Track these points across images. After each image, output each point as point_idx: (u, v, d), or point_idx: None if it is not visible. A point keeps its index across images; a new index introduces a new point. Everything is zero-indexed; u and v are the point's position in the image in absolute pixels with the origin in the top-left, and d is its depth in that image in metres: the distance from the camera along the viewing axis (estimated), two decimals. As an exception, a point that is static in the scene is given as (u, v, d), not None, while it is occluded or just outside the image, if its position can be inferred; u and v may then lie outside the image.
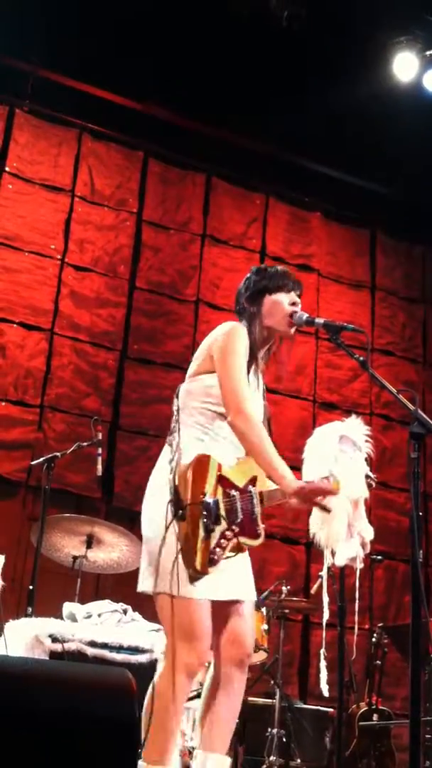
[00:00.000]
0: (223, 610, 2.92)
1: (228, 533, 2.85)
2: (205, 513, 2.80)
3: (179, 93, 7.24)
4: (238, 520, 2.88)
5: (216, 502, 2.85)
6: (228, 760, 2.91)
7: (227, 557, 2.84)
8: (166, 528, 2.83)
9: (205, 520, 2.80)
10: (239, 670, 2.90)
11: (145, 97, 7.40)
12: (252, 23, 6.72)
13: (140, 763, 2.76)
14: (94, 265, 7.15)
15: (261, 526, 2.97)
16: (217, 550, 2.80)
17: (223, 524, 2.85)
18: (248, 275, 3.26)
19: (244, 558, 3.02)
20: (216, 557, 2.79)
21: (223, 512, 2.86)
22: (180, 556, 2.78)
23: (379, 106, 7.15)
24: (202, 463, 2.89)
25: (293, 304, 3.15)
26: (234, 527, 2.87)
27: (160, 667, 2.91)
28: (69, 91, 7.26)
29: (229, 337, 3.04)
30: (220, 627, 2.94)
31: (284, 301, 3.15)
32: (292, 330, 3.17)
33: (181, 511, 2.80)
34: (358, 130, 7.40)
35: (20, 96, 7.17)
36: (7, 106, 7.13)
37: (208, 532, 2.80)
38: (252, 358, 3.08)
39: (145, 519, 2.97)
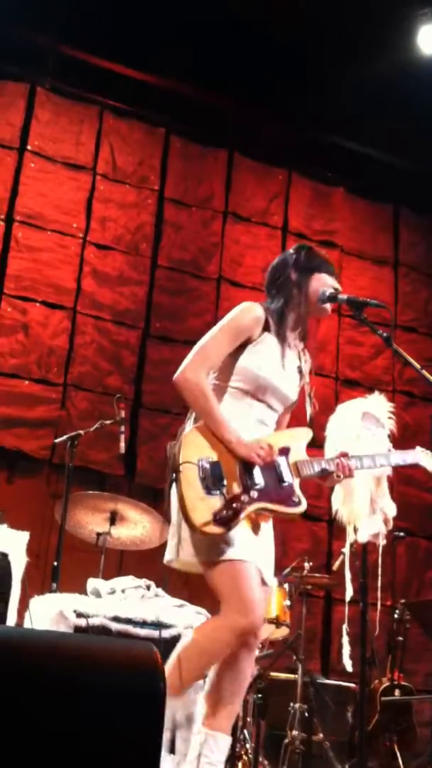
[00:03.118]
0: None
1: (244, 497, 2.83)
2: (201, 474, 2.82)
3: (200, 69, 7.18)
4: (259, 486, 2.88)
5: (216, 464, 2.85)
6: (229, 739, 2.90)
7: (241, 520, 2.82)
8: (170, 495, 2.90)
9: (202, 480, 2.81)
10: (247, 650, 2.86)
11: (166, 73, 7.35)
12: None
13: (203, 728, 2.82)
14: (116, 244, 7.15)
15: (298, 495, 2.96)
16: (225, 512, 2.78)
17: (234, 488, 2.84)
18: (291, 252, 3.24)
19: (271, 541, 3.02)
20: (222, 518, 2.77)
21: (228, 475, 2.85)
22: (184, 520, 2.79)
23: (402, 79, 7.05)
24: (204, 430, 2.91)
25: (335, 289, 3.18)
26: (253, 492, 2.86)
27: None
28: (90, 68, 7.22)
29: (232, 312, 3.06)
30: None
31: (330, 281, 3.17)
32: (329, 309, 3.19)
33: (174, 474, 2.83)
34: (381, 103, 7.30)
35: (41, 73, 7.15)
36: (28, 83, 7.12)
37: (209, 492, 2.80)
38: (283, 333, 3.08)
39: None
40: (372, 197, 8.34)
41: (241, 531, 2.83)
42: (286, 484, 2.96)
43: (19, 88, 7.08)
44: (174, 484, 2.86)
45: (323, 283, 3.15)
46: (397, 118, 7.47)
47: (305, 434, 3.11)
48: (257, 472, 2.91)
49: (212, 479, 2.83)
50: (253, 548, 2.87)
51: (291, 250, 3.26)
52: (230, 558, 2.79)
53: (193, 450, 2.87)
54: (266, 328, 3.07)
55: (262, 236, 7.75)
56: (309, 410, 3.18)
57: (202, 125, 7.67)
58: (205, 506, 2.78)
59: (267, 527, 3.02)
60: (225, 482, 2.84)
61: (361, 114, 7.49)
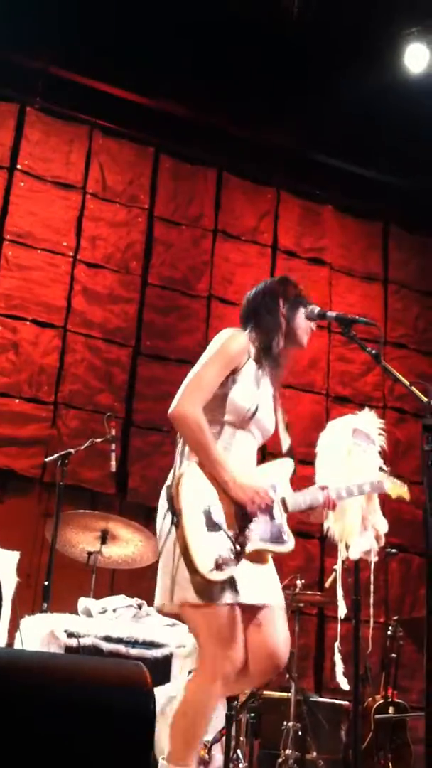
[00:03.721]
0: (252, 619, 2.87)
1: (241, 539, 2.80)
2: (202, 517, 2.76)
3: (189, 88, 7.22)
4: (254, 526, 2.85)
5: (215, 506, 2.80)
6: None
7: (241, 561, 2.79)
8: (167, 538, 2.84)
9: (203, 523, 2.76)
10: (261, 679, 2.90)
11: (155, 93, 7.40)
12: (262, 17, 6.70)
13: (163, 762, 2.77)
14: (106, 262, 7.17)
15: (287, 532, 2.93)
16: (224, 555, 2.73)
17: (230, 530, 2.80)
18: (277, 283, 3.23)
19: (269, 563, 2.99)
20: (222, 562, 2.72)
21: (224, 518, 2.80)
22: (186, 565, 2.74)
23: (391, 97, 7.11)
24: (201, 469, 2.86)
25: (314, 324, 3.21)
26: (248, 533, 2.82)
27: (185, 667, 2.90)
28: (79, 88, 7.26)
29: (218, 339, 3.02)
30: (252, 638, 2.88)
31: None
32: (305, 344, 3.21)
33: (175, 518, 2.78)
34: (371, 121, 7.36)
35: (31, 94, 7.18)
36: (18, 104, 7.15)
37: (210, 535, 2.75)
38: (263, 365, 3.06)
39: (158, 535, 2.96)
40: (361, 215, 8.39)
41: (237, 573, 2.78)
42: (276, 521, 2.93)
43: (9, 108, 7.12)
44: (173, 528, 2.79)
45: (303, 318, 3.17)
46: (386, 136, 7.54)
47: (287, 466, 3.10)
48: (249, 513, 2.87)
49: (213, 522, 2.77)
50: (247, 583, 2.80)
51: (276, 282, 3.25)
52: (216, 603, 2.75)
53: (192, 491, 2.80)
54: (249, 355, 3.04)
55: (252, 254, 7.78)
56: (286, 442, 3.16)
57: (191, 144, 7.72)
58: (208, 552, 2.72)
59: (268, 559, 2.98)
60: (225, 524, 2.79)
61: (350, 132, 7.54)
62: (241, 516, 2.84)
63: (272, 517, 2.92)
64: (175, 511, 2.77)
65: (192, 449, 2.91)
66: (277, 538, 2.91)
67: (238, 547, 2.78)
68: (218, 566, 2.72)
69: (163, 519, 2.88)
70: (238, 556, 2.77)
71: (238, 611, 2.80)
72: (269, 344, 3.08)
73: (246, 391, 2.99)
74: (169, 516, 2.81)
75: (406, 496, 3.55)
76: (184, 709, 2.77)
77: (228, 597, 2.76)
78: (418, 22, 6.88)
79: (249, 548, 2.82)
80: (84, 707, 1.75)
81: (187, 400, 2.89)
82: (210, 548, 2.74)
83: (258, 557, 2.89)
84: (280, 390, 3.23)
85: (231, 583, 2.75)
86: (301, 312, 3.16)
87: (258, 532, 2.86)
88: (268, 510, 2.90)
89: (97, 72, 7.21)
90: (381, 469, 3.65)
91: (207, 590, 2.74)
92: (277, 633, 2.92)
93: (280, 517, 2.95)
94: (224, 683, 2.76)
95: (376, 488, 3.32)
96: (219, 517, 2.80)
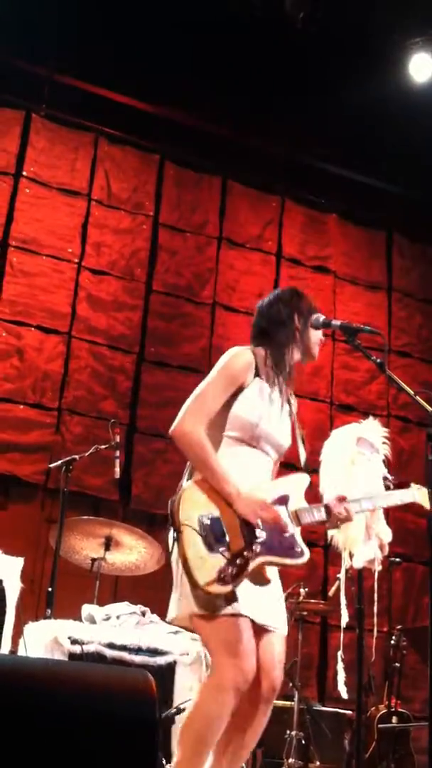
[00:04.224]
0: (256, 638, 2.84)
1: (247, 552, 2.78)
2: (202, 531, 2.77)
3: (195, 96, 7.25)
4: (261, 539, 2.83)
5: (216, 520, 2.80)
6: None
7: (245, 576, 2.77)
8: (171, 552, 2.85)
9: (203, 538, 2.76)
10: (265, 704, 2.85)
11: (160, 101, 7.43)
12: (267, 24, 6.72)
13: None
14: (110, 269, 7.18)
15: (300, 545, 2.91)
16: (230, 570, 2.73)
17: (237, 543, 2.78)
18: (288, 296, 3.21)
19: (278, 587, 2.98)
20: (226, 576, 2.72)
21: (230, 530, 2.80)
22: (187, 579, 2.74)
23: (395, 106, 7.14)
24: (203, 485, 2.87)
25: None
26: (255, 546, 2.80)
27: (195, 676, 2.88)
28: (85, 96, 7.29)
29: (223, 358, 3.03)
30: None
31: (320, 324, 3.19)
32: (316, 356, 3.23)
33: (176, 533, 2.79)
34: (374, 130, 7.39)
35: (37, 101, 7.21)
36: (23, 111, 7.18)
37: (211, 550, 2.75)
38: (278, 376, 3.06)
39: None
40: (365, 224, 8.40)
41: (242, 587, 2.77)
42: (287, 534, 2.90)
43: (14, 115, 7.14)
44: (175, 543, 2.80)
45: (315, 332, 3.18)
46: (390, 145, 7.57)
47: (302, 480, 3.07)
48: (258, 525, 2.85)
49: (213, 536, 2.77)
50: (252, 600, 2.80)
51: (288, 294, 3.23)
52: (227, 614, 2.74)
53: (193, 506, 2.81)
54: (256, 373, 3.03)
55: (256, 262, 7.79)
56: (303, 455, 3.14)
57: (196, 152, 7.74)
58: (208, 565, 2.73)
59: (273, 576, 2.96)
60: (227, 538, 2.78)
61: (354, 141, 7.58)
62: (247, 530, 2.82)
63: (284, 530, 2.90)
64: (175, 527, 2.79)
65: (195, 467, 2.93)
66: (289, 551, 2.89)
67: (241, 561, 2.76)
68: (220, 580, 2.71)
69: (169, 535, 2.88)
70: (242, 569, 2.76)
71: (247, 622, 2.78)
72: (282, 358, 3.08)
73: (250, 406, 2.99)
74: (172, 531, 2.82)
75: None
76: (194, 716, 2.76)
77: (232, 608, 2.75)
78: (422, 32, 6.91)
79: (256, 561, 2.80)
80: (88, 715, 1.75)
81: (188, 419, 2.91)
82: (211, 563, 2.73)
83: (263, 577, 2.87)
84: (295, 403, 3.23)
85: (234, 596, 2.74)
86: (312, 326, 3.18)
87: (266, 546, 2.83)
88: (275, 523, 2.88)
89: (103, 79, 7.24)
90: (385, 479, 3.65)
91: (210, 602, 2.73)
92: (275, 657, 2.91)
93: (293, 530, 2.93)
94: (235, 694, 2.73)
95: (402, 499, 3.23)
96: (220, 531, 2.79)
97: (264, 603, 2.86)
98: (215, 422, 2.97)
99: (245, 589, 2.77)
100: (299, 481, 3.06)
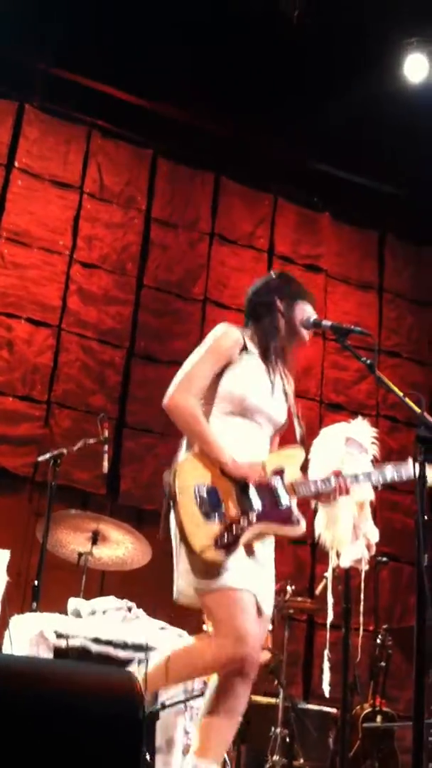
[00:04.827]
0: None
1: (243, 520, 2.83)
2: (198, 500, 2.82)
3: (189, 92, 7.23)
4: (257, 508, 2.87)
5: (212, 489, 2.86)
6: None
7: (240, 544, 2.82)
8: (170, 526, 2.88)
9: (199, 506, 2.81)
10: (244, 682, 2.85)
11: (155, 96, 7.40)
12: (262, 23, 6.71)
13: (194, 756, 2.81)
14: (102, 263, 7.16)
15: (297, 515, 2.95)
16: (225, 537, 2.78)
17: (233, 511, 2.84)
18: (273, 279, 3.28)
19: (271, 571, 3.02)
20: (222, 542, 2.77)
21: (225, 498, 2.85)
22: (184, 547, 2.79)
23: (389, 106, 7.13)
24: (199, 457, 2.92)
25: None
26: (251, 515, 2.85)
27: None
28: (79, 88, 7.27)
29: (211, 334, 3.10)
30: None
31: (309, 310, 3.21)
32: (307, 338, 3.23)
33: (172, 502, 2.84)
34: (368, 131, 7.38)
35: (31, 92, 7.18)
36: (17, 102, 7.14)
37: (207, 518, 2.80)
38: (267, 357, 3.11)
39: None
40: (358, 223, 8.40)
41: (240, 559, 2.82)
42: (284, 505, 2.95)
43: (7, 106, 7.11)
44: (172, 513, 2.85)
45: (305, 311, 3.19)
46: (384, 145, 7.55)
47: (298, 454, 3.11)
48: (254, 495, 2.90)
49: (210, 504, 2.83)
50: (252, 578, 2.85)
51: (273, 276, 3.30)
52: (227, 586, 2.78)
53: (189, 476, 2.87)
54: (244, 349, 3.09)
55: (248, 259, 7.79)
56: (298, 431, 3.19)
57: (189, 148, 7.72)
58: (204, 532, 2.78)
59: (268, 557, 3.01)
60: (223, 506, 2.84)
61: (348, 141, 7.56)
62: (243, 499, 2.87)
63: (279, 501, 2.93)
64: (171, 497, 2.84)
65: (189, 438, 2.98)
66: (286, 520, 2.93)
67: (237, 529, 2.81)
68: (217, 546, 2.76)
69: (169, 516, 2.91)
70: (238, 537, 2.80)
71: (252, 599, 2.82)
72: (267, 342, 3.13)
73: (239, 380, 3.04)
74: (169, 504, 2.86)
75: None
76: (185, 660, 2.85)
77: (228, 580, 2.78)
78: (418, 32, 6.90)
79: (252, 529, 2.84)
80: (72, 715, 1.75)
81: (179, 391, 2.98)
82: (206, 529, 2.79)
83: (258, 551, 2.91)
84: (293, 382, 3.28)
85: (228, 567, 2.78)
86: (300, 306, 3.19)
87: (263, 514, 2.88)
88: (270, 486, 2.93)
89: (97, 73, 7.21)
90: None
91: (207, 570, 2.77)
92: (261, 638, 2.96)
93: (288, 501, 2.96)
94: (229, 667, 2.77)
95: (399, 473, 3.22)
96: (216, 499, 2.84)
97: (259, 584, 2.90)
98: (205, 397, 3.05)
99: (244, 565, 2.82)
100: (295, 454, 3.11)
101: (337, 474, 3.07)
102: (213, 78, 7.08)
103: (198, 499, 2.83)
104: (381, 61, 7.00)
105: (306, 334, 3.20)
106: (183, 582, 2.86)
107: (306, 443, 3.20)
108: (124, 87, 7.33)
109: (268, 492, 2.94)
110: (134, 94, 7.39)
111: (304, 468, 3.38)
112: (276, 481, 2.97)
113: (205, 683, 3.35)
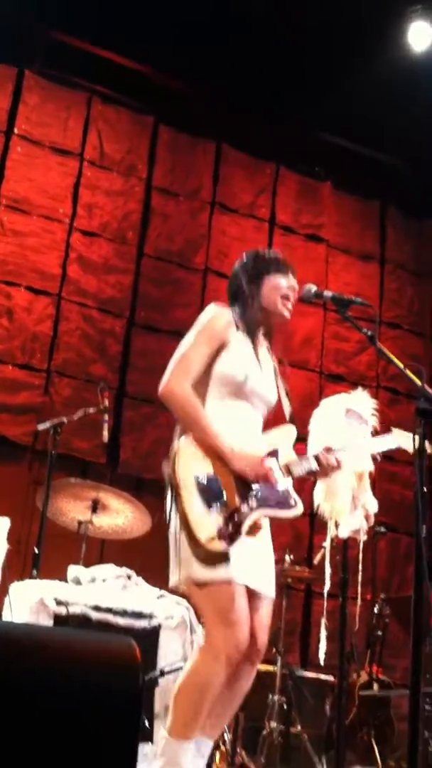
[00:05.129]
0: (248, 602, 2.87)
1: (244, 507, 2.83)
2: (199, 490, 2.80)
3: (191, 61, 7.13)
4: (256, 494, 2.87)
5: (213, 477, 2.84)
6: (211, 744, 2.92)
7: (242, 533, 2.81)
8: (170, 515, 2.87)
9: (201, 496, 2.80)
10: (250, 665, 2.89)
11: (156, 63, 7.31)
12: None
13: (163, 732, 2.81)
14: (102, 231, 7.11)
15: (294, 497, 2.95)
16: (229, 526, 2.77)
17: (234, 499, 2.82)
18: (243, 260, 3.25)
19: (270, 549, 3.02)
20: (226, 532, 2.76)
21: (226, 487, 2.84)
22: (187, 538, 2.77)
23: (393, 76, 7.04)
24: (196, 443, 2.89)
25: (290, 287, 3.17)
26: (251, 501, 2.85)
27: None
28: (80, 54, 7.17)
29: (202, 316, 3.07)
30: None
31: (282, 283, 3.16)
32: (287, 312, 3.18)
33: (174, 493, 2.82)
34: (371, 100, 7.29)
35: (30, 57, 7.09)
36: (16, 67, 7.05)
37: (210, 507, 2.79)
38: (252, 338, 3.09)
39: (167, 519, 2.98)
40: (359, 194, 8.34)
41: (240, 550, 2.79)
42: (281, 488, 2.94)
43: (7, 72, 7.02)
44: (173, 504, 2.83)
45: (274, 285, 3.15)
46: (387, 115, 7.47)
47: (290, 432, 3.10)
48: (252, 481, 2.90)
49: (211, 493, 2.81)
50: (246, 564, 2.82)
51: (243, 257, 3.27)
52: (225, 579, 2.77)
53: (189, 465, 2.85)
54: (236, 329, 3.07)
55: (249, 228, 7.74)
56: (287, 409, 3.18)
57: (190, 116, 7.64)
58: (208, 522, 2.77)
59: (265, 538, 3.00)
60: (224, 495, 2.83)
61: (351, 110, 7.47)
62: (241, 486, 2.86)
63: (276, 484, 2.93)
64: (173, 486, 2.81)
65: (185, 426, 2.95)
66: (283, 504, 2.93)
67: (239, 517, 2.80)
68: (220, 536, 2.75)
69: (167, 500, 2.90)
70: (240, 525, 2.79)
71: (242, 589, 2.81)
72: (246, 320, 3.10)
73: (234, 362, 3.02)
74: (170, 494, 2.84)
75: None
76: (187, 683, 2.79)
77: (226, 573, 2.77)
78: (421, 1, 6.79)
79: (253, 516, 2.84)
80: (71, 683, 1.75)
81: (174, 378, 2.95)
82: (210, 519, 2.77)
83: (256, 539, 2.89)
84: (281, 360, 3.26)
85: (230, 559, 2.77)
86: (268, 282, 3.14)
87: (261, 500, 2.87)
88: (268, 478, 2.91)
89: (98, 38, 7.11)
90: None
91: (210, 561, 2.76)
92: (262, 621, 2.95)
93: (285, 483, 2.96)
94: (228, 663, 2.76)
95: (386, 444, 3.23)
96: (218, 489, 2.83)
97: (257, 567, 2.90)
98: (200, 380, 3.01)
99: (240, 553, 2.79)
100: (287, 433, 3.10)
101: (329, 450, 3.06)
102: (216, 47, 6.95)
103: (200, 489, 2.81)
104: (385, 30, 6.90)
105: (282, 309, 3.15)
106: (185, 571, 2.82)
107: (298, 419, 3.19)
108: (124, 53, 7.23)
109: (263, 477, 2.92)
110: (135, 60, 7.28)
111: (304, 438, 3.38)
112: (272, 463, 2.96)
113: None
